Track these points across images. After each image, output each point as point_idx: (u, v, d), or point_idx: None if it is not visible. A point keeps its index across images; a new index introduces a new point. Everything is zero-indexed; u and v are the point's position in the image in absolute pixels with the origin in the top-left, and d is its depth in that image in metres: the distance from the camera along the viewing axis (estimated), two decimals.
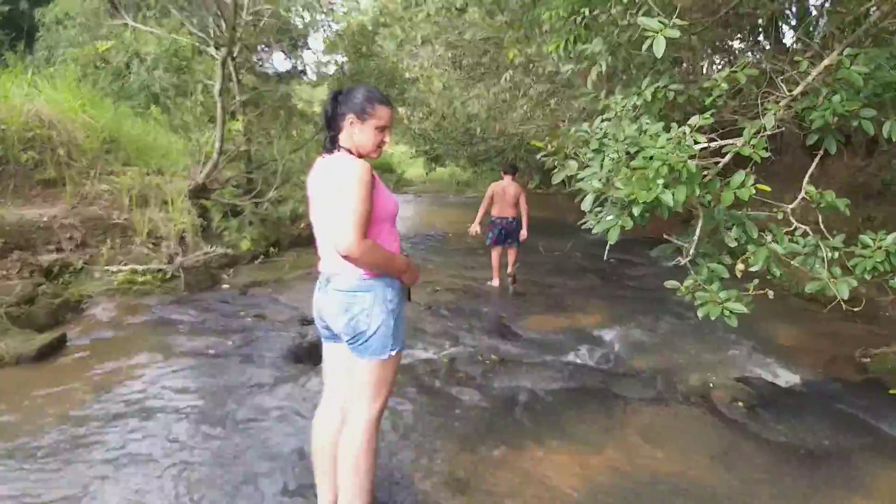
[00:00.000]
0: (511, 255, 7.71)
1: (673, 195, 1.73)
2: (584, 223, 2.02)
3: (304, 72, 13.93)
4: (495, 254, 7.75)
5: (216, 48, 7.56)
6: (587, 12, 2.55)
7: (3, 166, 6.71)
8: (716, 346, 5.51)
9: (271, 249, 8.03)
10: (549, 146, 2.22)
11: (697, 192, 1.83)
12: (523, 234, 7.44)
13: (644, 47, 1.89)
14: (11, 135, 6.74)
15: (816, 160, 2.25)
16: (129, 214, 6.67)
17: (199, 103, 7.81)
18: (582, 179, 2.02)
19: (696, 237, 1.96)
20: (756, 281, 1.99)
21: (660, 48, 1.84)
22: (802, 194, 2.05)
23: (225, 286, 6.71)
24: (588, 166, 2.05)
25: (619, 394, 4.22)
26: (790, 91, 2.19)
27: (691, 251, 2.00)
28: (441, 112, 12.23)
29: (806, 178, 2.12)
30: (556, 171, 2.17)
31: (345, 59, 10.69)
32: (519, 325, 6.07)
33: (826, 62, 2.13)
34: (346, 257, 2.12)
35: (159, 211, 6.88)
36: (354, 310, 2.26)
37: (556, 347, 5.34)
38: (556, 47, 2.69)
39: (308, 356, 4.82)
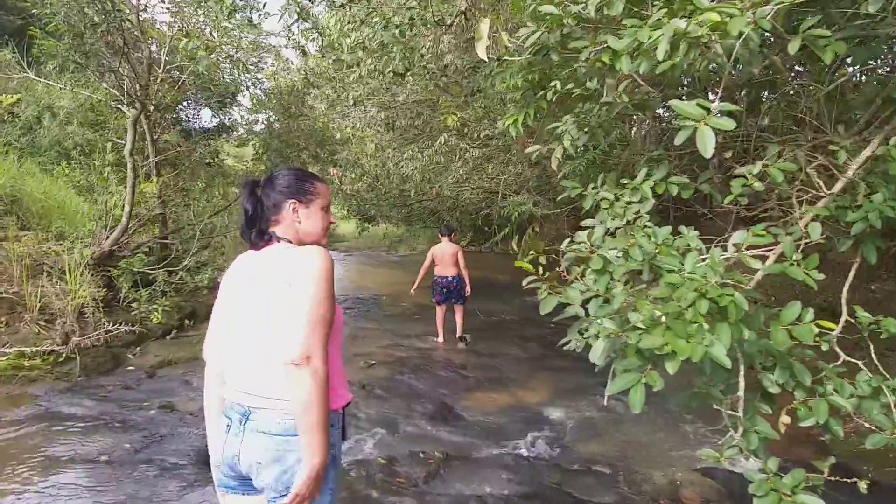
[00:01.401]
0: (458, 313, 7.88)
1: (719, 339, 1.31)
2: (566, 344, 1.56)
3: (231, 129, 13.35)
4: (440, 312, 7.97)
5: (128, 106, 6.96)
6: (558, 86, 2.16)
7: None
8: (668, 423, 5.19)
9: (186, 322, 7.26)
10: (538, 266, 1.75)
11: (745, 333, 1.41)
12: (467, 290, 7.70)
13: (678, 140, 1.46)
14: None
15: (851, 274, 1.91)
16: (19, 288, 5.85)
17: (108, 163, 7.10)
18: (582, 308, 1.55)
19: (741, 393, 1.52)
20: (832, 459, 1.59)
21: (708, 145, 1.39)
22: (845, 317, 1.68)
23: (130, 367, 5.93)
24: (590, 293, 1.58)
25: (578, 497, 3.76)
26: (826, 187, 1.84)
27: (740, 414, 1.55)
28: (374, 173, 11.88)
29: (845, 292, 1.76)
30: (543, 299, 1.67)
31: (273, 118, 10.20)
32: (462, 404, 5.59)
33: (867, 152, 1.81)
34: (296, 376, 1.62)
35: (56, 282, 6.08)
36: (290, 459, 1.71)
37: (503, 434, 4.87)
38: (513, 121, 2.31)
39: None
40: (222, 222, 8.75)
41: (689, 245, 1.57)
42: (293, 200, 1.94)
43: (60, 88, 11.29)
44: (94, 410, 4.74)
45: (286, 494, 1.70)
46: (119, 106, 7.62)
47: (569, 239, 1.76)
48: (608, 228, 1.81)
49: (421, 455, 4.22)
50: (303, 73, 10.17)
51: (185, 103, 12.48)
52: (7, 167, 8.26)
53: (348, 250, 21.28)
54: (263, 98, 10.64)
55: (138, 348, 6.38)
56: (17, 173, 8.48)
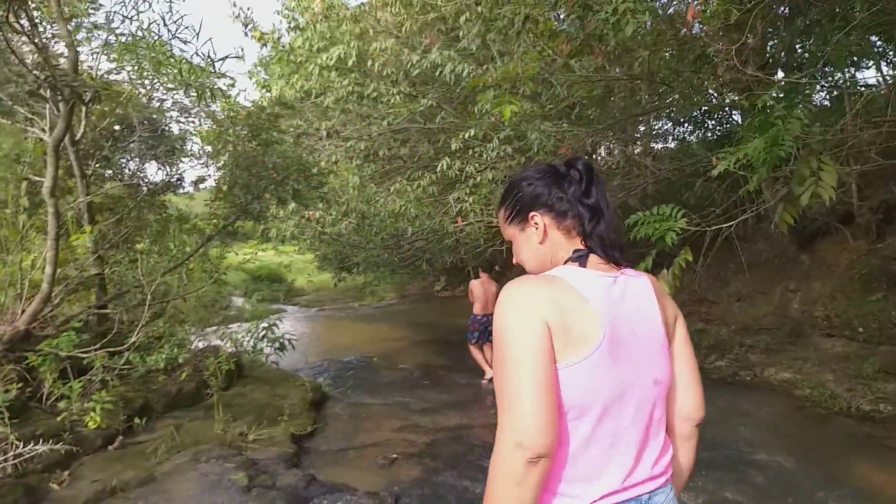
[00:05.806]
0: (489, 352, 7.51)
1: None
2: None
3: (180, 181, 11.54)
4: (475, 351, 7.87)
5: (49, 131, 5.10)
6: None
7: None
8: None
9: (136, 421, 5.19)
10: None
11: None
12: None
13: None
14: None
15: None
16: None
17: (22, 208, 5.16)
18: None
19: None
20: None
21: None
22: None
23: None
24: None
25: None
26: None
27: None
28: (360, 211, 10.09)
29: None
30: None
31: (237, 148, 8.20)
32: None
33: None
34: (693, 438, 1.45)
35: None
36: None
37: None
38: None
39: None
40: (180, 281, 6.76)
41: None
42: None
43: None
44: None
45: None
46: (33, 132, 5.62)
47: None
48: None
49: None
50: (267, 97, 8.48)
51: (126, 156, 10.65)
52: None
53: (313, 304, 19.15)
54: (225, 120, 8.73)
55: (66, 472, 4.35)
56: None
